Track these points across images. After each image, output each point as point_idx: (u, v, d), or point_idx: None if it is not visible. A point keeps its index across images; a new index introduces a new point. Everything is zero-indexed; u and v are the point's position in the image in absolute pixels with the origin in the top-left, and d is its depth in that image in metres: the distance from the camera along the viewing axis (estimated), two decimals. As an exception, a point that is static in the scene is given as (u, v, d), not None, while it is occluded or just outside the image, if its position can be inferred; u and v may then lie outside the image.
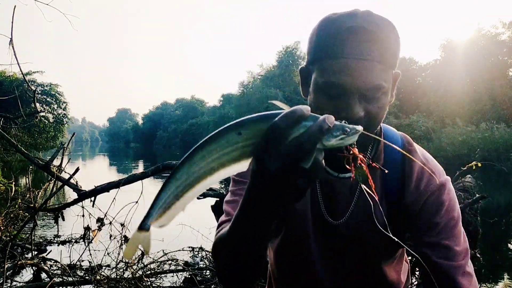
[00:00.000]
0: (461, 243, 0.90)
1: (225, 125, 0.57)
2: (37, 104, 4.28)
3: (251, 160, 0.56)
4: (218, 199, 3.39)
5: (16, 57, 3.13)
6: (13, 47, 3.08)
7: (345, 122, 0.57)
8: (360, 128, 0.56)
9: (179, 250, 4.04)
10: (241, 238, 0.69)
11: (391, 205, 0.92)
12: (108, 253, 3.66)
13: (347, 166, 0.67)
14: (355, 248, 0.94)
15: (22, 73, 3.44)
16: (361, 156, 0.67)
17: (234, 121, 0.56)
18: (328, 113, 0.74)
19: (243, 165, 0.57)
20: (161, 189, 0.56)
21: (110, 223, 3.70)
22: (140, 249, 3.18)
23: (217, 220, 3.56)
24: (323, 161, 0.55)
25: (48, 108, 26.55)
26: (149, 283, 3.36)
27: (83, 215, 3.80)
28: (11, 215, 4.07)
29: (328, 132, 0.53)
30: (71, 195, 6.18)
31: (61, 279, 3.52)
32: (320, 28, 0.82)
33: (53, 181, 3.74)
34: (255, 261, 0.73)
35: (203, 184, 0.57)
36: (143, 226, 0.55)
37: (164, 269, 3.83)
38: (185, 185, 0.56)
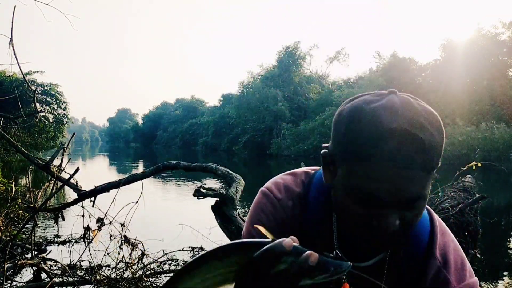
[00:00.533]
0: None
1: (209, 250, 0.59)
2: (37, 104, 4.28)
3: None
4: (218, 199, 3.39)
5: (16, 57, 3.13)
6: (13, 47, 3.09)
7: (336, 253, 0.57)
8: (346, 265, 0.55)
9: (179, 250, 4.05)
10: None
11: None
12: (108, 253, 3.65)
13: None
14: None
15: (22, 73, 3.44)
16: None
17: (218, 246, 0.58)
18: (352, 220, 0.72)
19: None
20: None
21: (110, 223, 3.71)
22: (140, 250, 3.17)
23: (217, 220, 3.49)
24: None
25: (48, 108, 26.53)
26: (149, 283, 3.36)
27: (83, 215, 3.80)
28: (11, 215, 4.07)
29: (309, 272, 0.53)
30: (71, 195, 6.18)
31: (61, 279, 3.52)
32: (352, 121, 0.69)
33: (53, 181, 3.74)
34: None
35: None
36: None
37: (164, 269, 3.83)
38: None
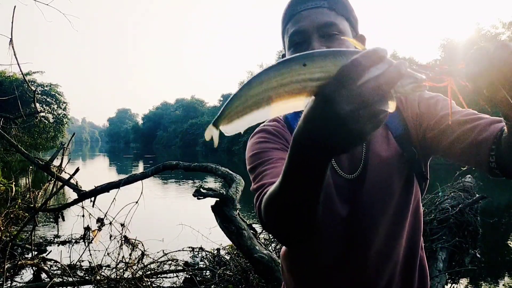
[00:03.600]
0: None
1: (292, 55, 0.54)
2: (37, 104, 4.28)
3: (314, 99, 0.53)
4: (218, 199, 3.39)
5: (16, 57, 3.14)
6: (13, 47, 3.09)
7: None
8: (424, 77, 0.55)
9: (179, 250, 4.04)
10: (294, 189, 0.64)
11: (401, 139, 0.98)
12: (108, 253, 3.66)
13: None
14: (374, 193, 0.94)
15: (22, 73, 3.44)
16: None
17: (302, 52, 0.54)
18: None
19: (301, 103, 0.54)
20: (227, 102, 0.56)
21: (110, 223, 3.71)
22: (140, 250, 3.15)
23: (217, 220, 3.49)
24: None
25: (48, 108, 26.53)
26: (149, 283, 3.36)
27: (83, 215, 3.81)
28: (11, 215, 4.07)
29: (401, 78, 0.52)
30: (71, 195, 6.18)
31: (61, 279, 3.52)
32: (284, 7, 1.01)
33: (53, 181, 3.74)
34: (312, 209, 0.68)
35: (261, 112, 0.54)
36: (215, 124, 0.57)
37: (164, 269, 3.83)
38: (244, 107, 0.54)
